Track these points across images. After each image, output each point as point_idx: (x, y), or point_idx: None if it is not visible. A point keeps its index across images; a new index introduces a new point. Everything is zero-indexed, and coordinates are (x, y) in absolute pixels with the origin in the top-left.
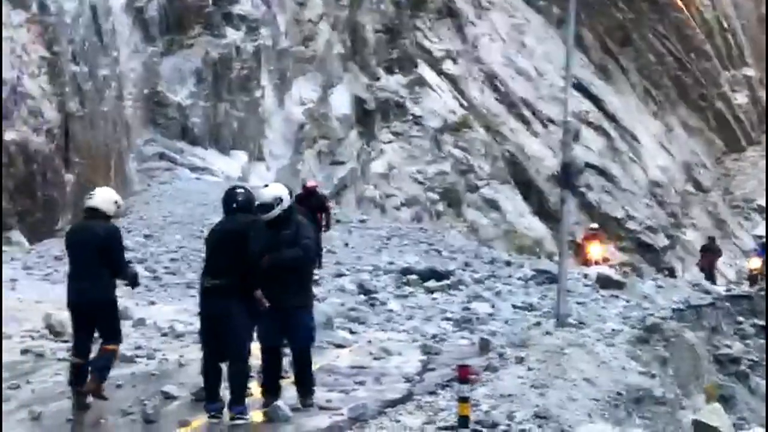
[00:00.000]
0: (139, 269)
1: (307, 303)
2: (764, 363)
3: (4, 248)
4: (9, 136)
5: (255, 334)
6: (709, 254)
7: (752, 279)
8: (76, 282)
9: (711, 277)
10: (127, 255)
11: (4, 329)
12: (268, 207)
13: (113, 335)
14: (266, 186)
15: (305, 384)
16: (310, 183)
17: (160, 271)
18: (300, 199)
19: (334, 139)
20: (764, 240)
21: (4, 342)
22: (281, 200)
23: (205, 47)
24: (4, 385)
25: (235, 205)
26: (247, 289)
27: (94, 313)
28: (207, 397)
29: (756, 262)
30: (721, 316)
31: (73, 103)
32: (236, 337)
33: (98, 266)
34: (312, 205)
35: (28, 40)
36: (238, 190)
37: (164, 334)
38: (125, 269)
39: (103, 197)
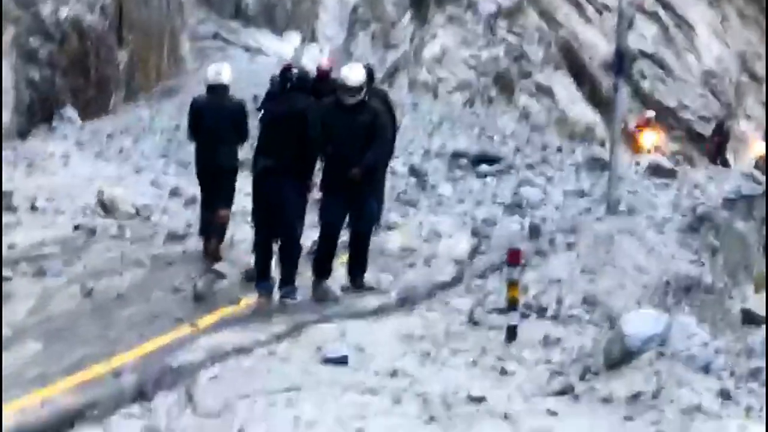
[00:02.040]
0: (191, 148)
1: (375, 187)
2: None
3: (56, 124)
4: (63, 13)
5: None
6: (717, 138)
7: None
8: (210, 150)
9: (723, 161)
10: (178, 134)
11: (57, 205)
12: (355, 91)
13: (229, 201)
14: (349, 67)
15: (359, 266)
16: (325, 63)
17: None
18: (314, 84)
19: (387, 22)
20: None
21: (57, 218)
22: (364, 83)
23: None
24: (57, 260)
25: (290, 85)
26: (304, 171)
27: (222, 177)
28: (258, 276)
29: (762, 147)
30: None
31: None
32: (290, 217)
33: (232, 135)
34: (327, 92)
35: None
36: (294, 69)
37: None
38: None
39: (227, 72)
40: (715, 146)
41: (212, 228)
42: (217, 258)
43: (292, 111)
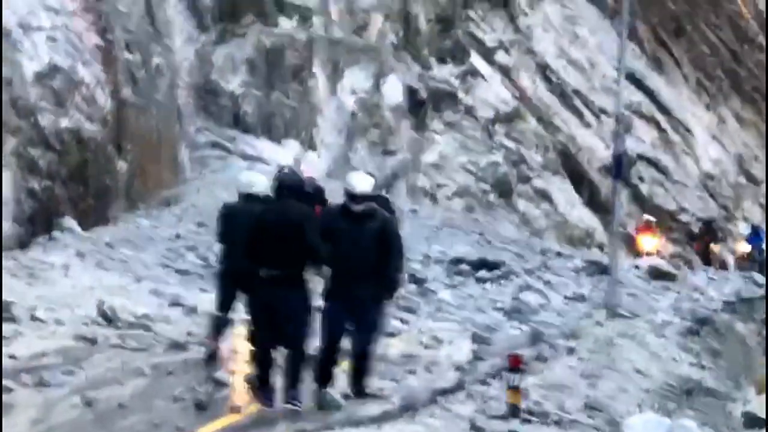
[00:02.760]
0: (191, 257)
1: (380, 295)
2: None
3: (56, 234)
4: (63, 123)
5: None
6: (706, 237)
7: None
8: None
9: (707, 261)
10: (178, 243)
11: (57, 315)
12: (362, 198)
13: None
14: (357, 174)
15: (362, 374)
16: (308, 173)
17: (211, 259)
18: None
19: (385, 129)
20: (759, 227)
21: (58, 328)
22: (371, 189)
23: (257, 36)
24: (58, 371)
25: (286, 191)
26: (305, 279)
27: None
28: (259, 385)
29: (744, 247)
30: None
31: (127, 91)
32: (297, 327)
33: None
34: (310, 198)
35: (82, 28)
36: (291, 176)
37: None
38: None
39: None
40: (704, 246)
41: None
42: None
43: (294, 219)
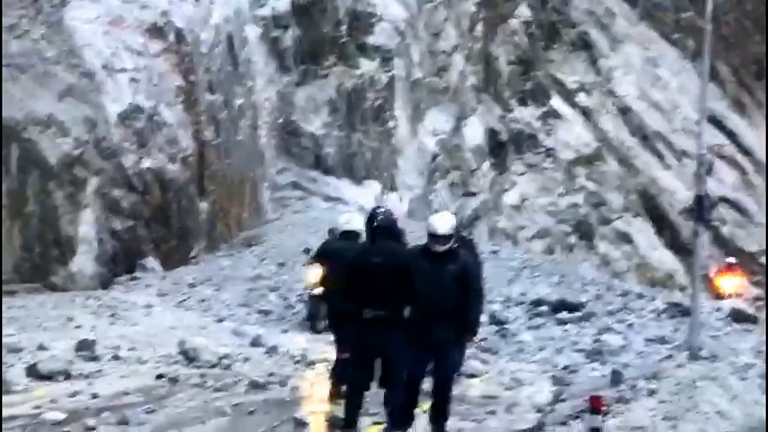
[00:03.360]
0: (272, 297)
1: (460, 336)
2: None
3: (138, 274)
4: (146, 164)
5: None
6: None
7: None
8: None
9: None
10: (259, 283)
11: (140, 354)
12: (446, 239)
13: None
14: (439, 215)
15: (441, 414)
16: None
17: (292, 300)
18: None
19: (466, 170)
20: None
21: (139, 367)
22: (454, 231)
23: (339, 77)
24: (140, 410)
25: (383, 231)
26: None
27: None
28: (346, 425)
29: None
30: None
31: (209, 132)
32: (398, 365)
33: None
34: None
35: (165, 70)
36: (388, 216)
37: (297, 362)
38: None
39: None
40: None
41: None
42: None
43: (399, 261)
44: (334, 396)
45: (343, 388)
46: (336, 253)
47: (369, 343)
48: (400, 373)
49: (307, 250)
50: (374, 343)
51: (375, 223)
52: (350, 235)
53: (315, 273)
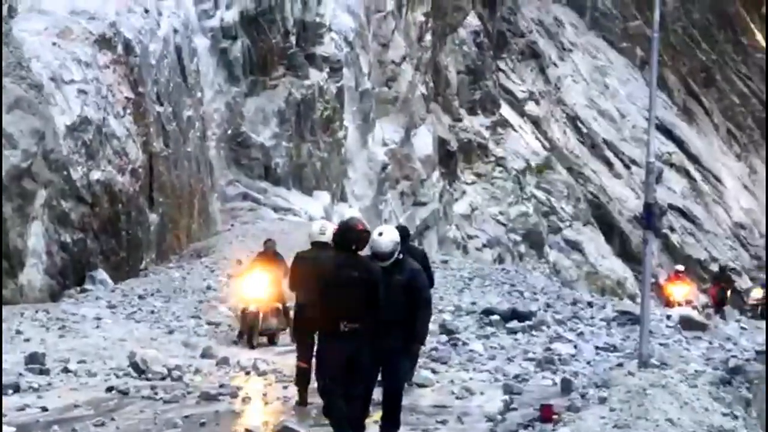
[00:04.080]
0: (223, 309)
1: (410, 347)
2: None
3: (88, 287)
4: (95, 176)
5: None
6: (719, 284)
7: (752, 309)
8: None
9: (720, 309)
10: (210, 295)
11: (89, 367)
12: (388, 256)
13: None
14: (381, 234)
15: (391, 424)
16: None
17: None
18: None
19: (416, 180)
20: None
21: (89, 379)
22: (398, 245)
23: (288, 88)
24: (90, 423)
25: (354, 245)
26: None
27: None
28: None
29: (759, 293)
30: None
31: (158, 144)
32: (367, 378)
33: None
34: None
35: (113, 81)
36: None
37: (247, 373)
38: None
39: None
40: (718, 292)
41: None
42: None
43: (370, 275)
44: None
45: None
46: (310, 263)
47: (346, 355)
48: (368, 386)
49: (239, 261)
50: (350, 355)
51: (347, 235)
52: (325, 245)
53: (250, 285)
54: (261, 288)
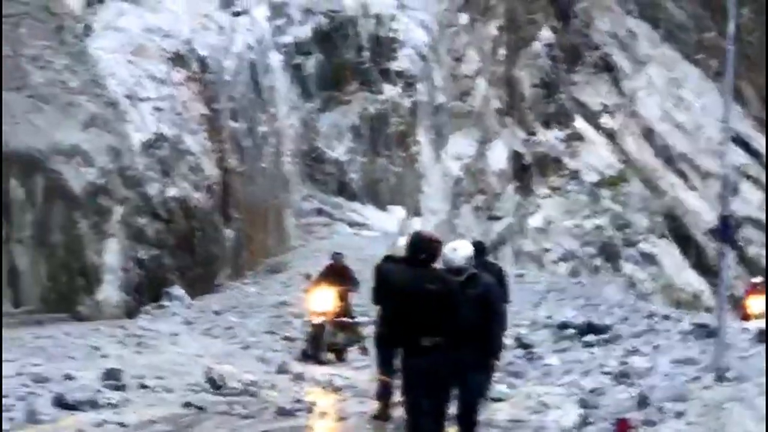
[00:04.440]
0: (298, 324)
1: (485, 361)
2: None
3: (165, 303)
4: (170, 192)
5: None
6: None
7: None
8: None
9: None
10: (285, 310)
11: (166, 383)
12: (462, 271)
13: None
14: (455, 249)
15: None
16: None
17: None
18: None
19: (491, 194)
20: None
21: (166, 395)
22: (471, 260)
23: (362, 103)
24: None
25: (424, 256)
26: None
27: None
28: None
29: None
30: None
31: (233, 160)
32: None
33: None
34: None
35: (188, 98)
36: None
37: (323, 388)
38: None
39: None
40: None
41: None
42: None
43: (452, 289)
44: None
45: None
46: (392, 277)
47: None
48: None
49: (308, 276)
50: (429, 370)
51: (423, 249)
52: (406, 260)
53: (316, 299)
54: (326, 302)
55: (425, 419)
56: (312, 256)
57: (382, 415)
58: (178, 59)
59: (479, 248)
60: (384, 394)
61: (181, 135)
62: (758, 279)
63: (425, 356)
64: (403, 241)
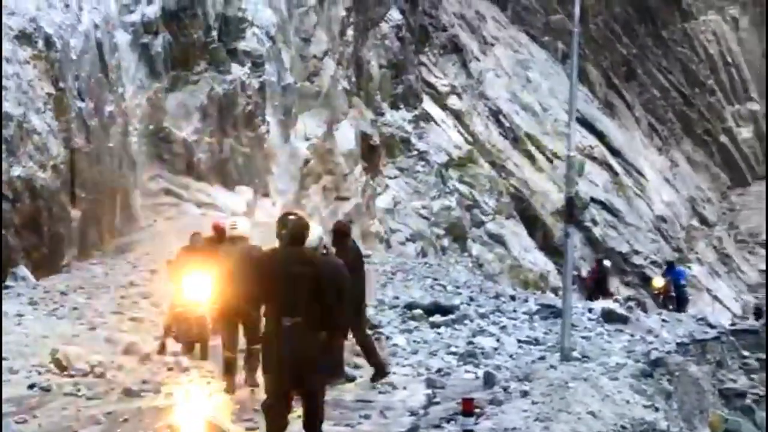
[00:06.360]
0: (145, 304)
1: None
2: None
3: (9, 283)
4: (15, 172)
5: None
6: (595, 275)
7: (655, 297)
8: None
9: (595, 296)
10: (132, 290)
11: (11, 364)
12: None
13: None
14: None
15: (314, 419)
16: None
17: (164, 306)
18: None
19: (339, 175)
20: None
21: (11, 376)
22: (322, 240)
23: (210, 83)
24: (11, 419)
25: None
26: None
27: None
28: None
29: (659, 281)
30: (725, 351)
31: (79, 139)
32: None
33: None
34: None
35: (33, 76)
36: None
37: (170, 369)
38: None
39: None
40: (593, 283)
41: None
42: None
43: (315, 269)
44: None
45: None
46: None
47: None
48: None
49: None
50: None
51: (293, 229)
52: (236, 239)
53: (191, 286)
54: (204, 290)
55: (280, 403)
56: (159, 237)
57: (229, 390)
58: (23, 37)
59: (345, 230)
60: (230, 370)
61: (26, 114)
62: (607, 262)
63: (285, 337)
64: (229, 222)
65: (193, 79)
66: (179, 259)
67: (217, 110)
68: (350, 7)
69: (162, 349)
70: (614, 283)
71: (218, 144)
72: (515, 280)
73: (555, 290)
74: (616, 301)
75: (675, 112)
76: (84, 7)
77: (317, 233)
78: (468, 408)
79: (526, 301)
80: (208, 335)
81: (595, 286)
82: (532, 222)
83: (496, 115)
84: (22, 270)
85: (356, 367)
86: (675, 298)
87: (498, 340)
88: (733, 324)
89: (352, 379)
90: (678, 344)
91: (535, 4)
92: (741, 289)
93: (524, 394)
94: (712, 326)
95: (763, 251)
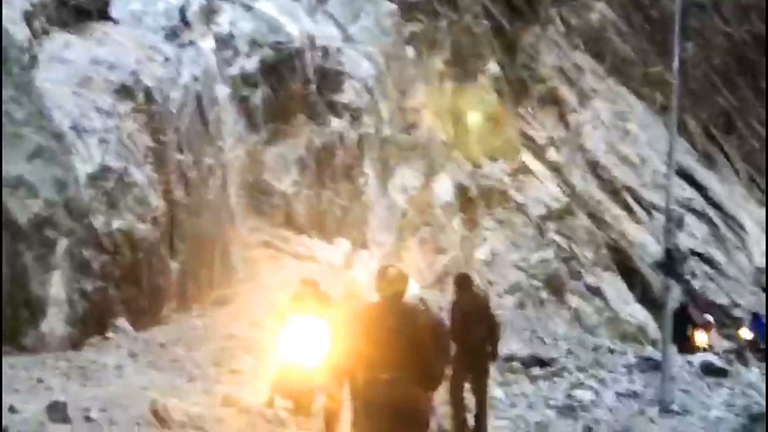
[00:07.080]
0: (244, 357)
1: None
2: None
3: (110, 335)
4: (116, 224)
5: None
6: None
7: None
8: None
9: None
10: (232, 343)
11: (110, 415)
12: None
13: None
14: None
15: None
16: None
17: (264, 359)
18: None
19: (437, 227)
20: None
21: (111, 428)
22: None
23: (308, 135)
24: None
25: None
26: None
27: None
28: None
29: (746, 333)
30: None
31: (179, 192)
32: None
33: None
34: None
35: (134, 130)
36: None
37: (269, 421)
38: None
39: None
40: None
41: None
42: None
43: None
44: None
45: None
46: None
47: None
48: None
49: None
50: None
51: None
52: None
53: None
54: (314, 343)
55: None
56: (258, 289)
57: None
58: (123, 91)
59: (469, 281)
60: (331, 421)
61: (126, 167)
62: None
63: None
64: (353, 276)
65: (291, 132)
66: (288, 308)
67: (315, 162)
68: (448, 59)
69: (270, 403)
70: (714, 337)
71: (316, 196)
72: (613, 333)
73: (654, 343)
74: (715, 353)
75: None
76: (183, 61)
77: (415, 287)
78: None
79: (624, 353)
80: (314, 391)
81: (683, 334)
82: (630, 274)
83: (594, 166)
84: (122, 322)
85: None
86: (765, 351)
87: (597, 393)
88: None
89: None
90: None
91: (633, 56)
92: None
93: None
94: None
95: None
